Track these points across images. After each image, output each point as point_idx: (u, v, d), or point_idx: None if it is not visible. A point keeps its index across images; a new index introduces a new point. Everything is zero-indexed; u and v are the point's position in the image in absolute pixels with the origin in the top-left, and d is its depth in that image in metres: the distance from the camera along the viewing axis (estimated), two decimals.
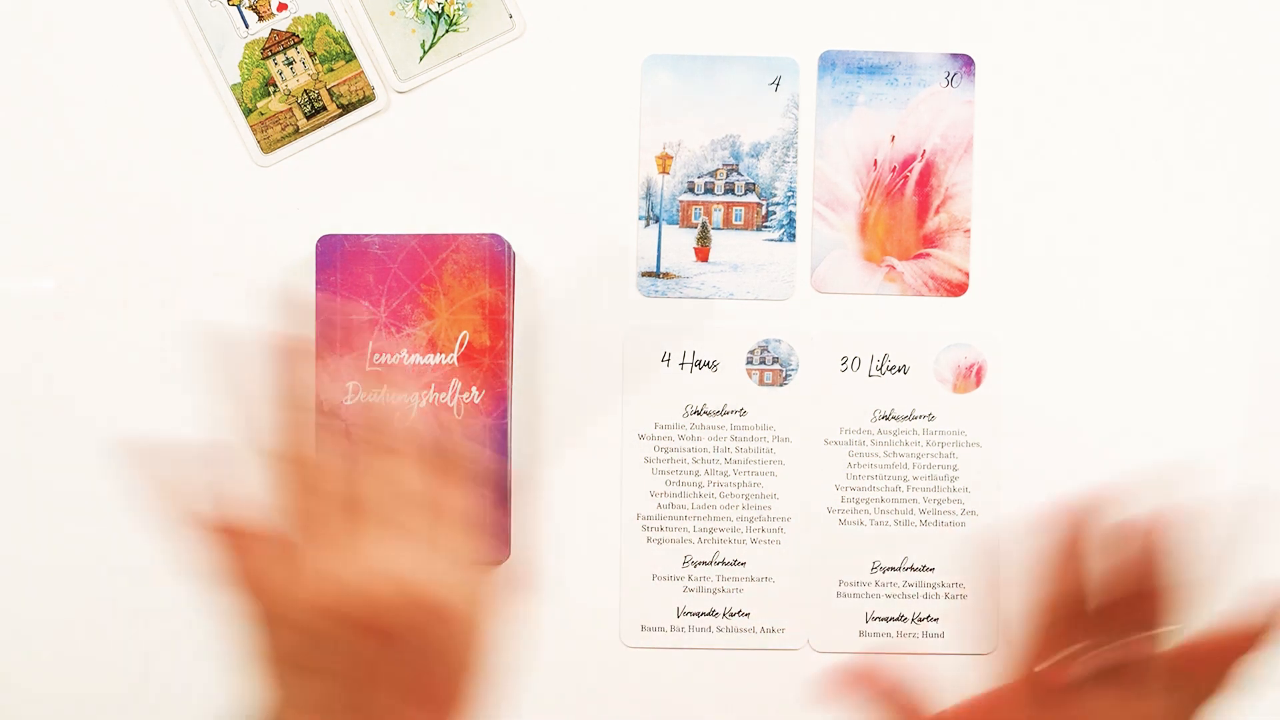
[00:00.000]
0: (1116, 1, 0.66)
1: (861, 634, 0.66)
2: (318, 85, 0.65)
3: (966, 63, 0.66)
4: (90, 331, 0.65)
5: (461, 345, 0.63)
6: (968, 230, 0.66)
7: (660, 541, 0.66)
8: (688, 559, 0.66)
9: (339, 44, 0.65)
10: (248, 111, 0.65)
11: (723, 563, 0.66)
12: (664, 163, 0.66)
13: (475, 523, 0.41)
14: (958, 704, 0.46)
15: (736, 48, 0.65)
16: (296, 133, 0.65)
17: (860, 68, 0.66)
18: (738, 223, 0.66)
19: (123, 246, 0.65)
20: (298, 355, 0.40)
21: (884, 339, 0.66)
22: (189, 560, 0.41)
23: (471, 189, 0.65)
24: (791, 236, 0.66)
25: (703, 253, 0.66)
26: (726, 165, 0.66)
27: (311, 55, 0.65)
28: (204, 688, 0.65)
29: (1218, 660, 0.42)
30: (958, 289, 0.66)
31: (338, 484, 0.40)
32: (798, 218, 0.66)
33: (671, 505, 0.66)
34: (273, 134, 0.65)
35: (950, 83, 0.66)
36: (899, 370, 0.66)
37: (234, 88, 0.65)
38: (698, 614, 0.66)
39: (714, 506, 0.66)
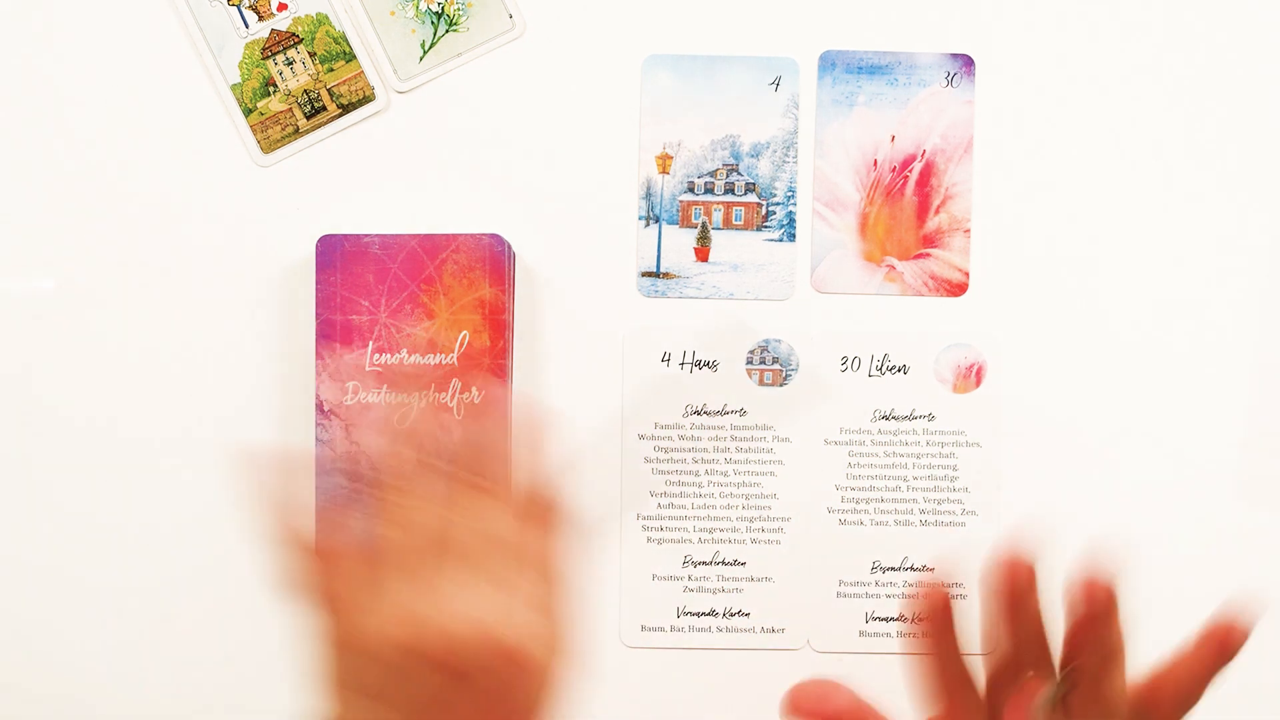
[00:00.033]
0: (1116, 1, 0.66)
1: (861, 634, 0.66)
2: (318, 85, 0.65)
3: (966, 63, 0.66)
4: (90, 331, 0.65)
5: (461, 345, 0.63)
6: (968, 230, 0.66)
7: (660, 541, 0.66)
8: (688, 559, 0.66)
9: (339, 44, 0.65)
10: (248, 111, 0.65)
11: (723, 563, 0.66)
12: (664, 163, 0.66)
13: (558, 569, 0.41)
14: None
15: (736, 48, 0.65)
16: (296, 133, 0.65)
17: (860, 68, 0.66)
18: (738, 223, 0.66)
19: (123, 246, 0.65)
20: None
21: (884, 339, 0.66)
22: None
23: (471, 189, 0.65)
24: (791, 236, 0.66)
25: (703, 253, 0.66)
26: (726, 165, 0.66)
27: (311, 55, 0.65)
28: (201, 691, 0.65)
29: (1181, 689, 0.42)
30: (958, 289, 0.66)
31: (430, 520, 0.40)
32: (798, 218, 0.66)
33: (671, 505, 0.66)
34: (273, 134, 0.65)
35: (950, 83, 0.66)
36: (899, 370, 0.66)
37: (234, 88, 0.65)
38: (698, 614, 0.66)
39: (714, 506, 0.66)
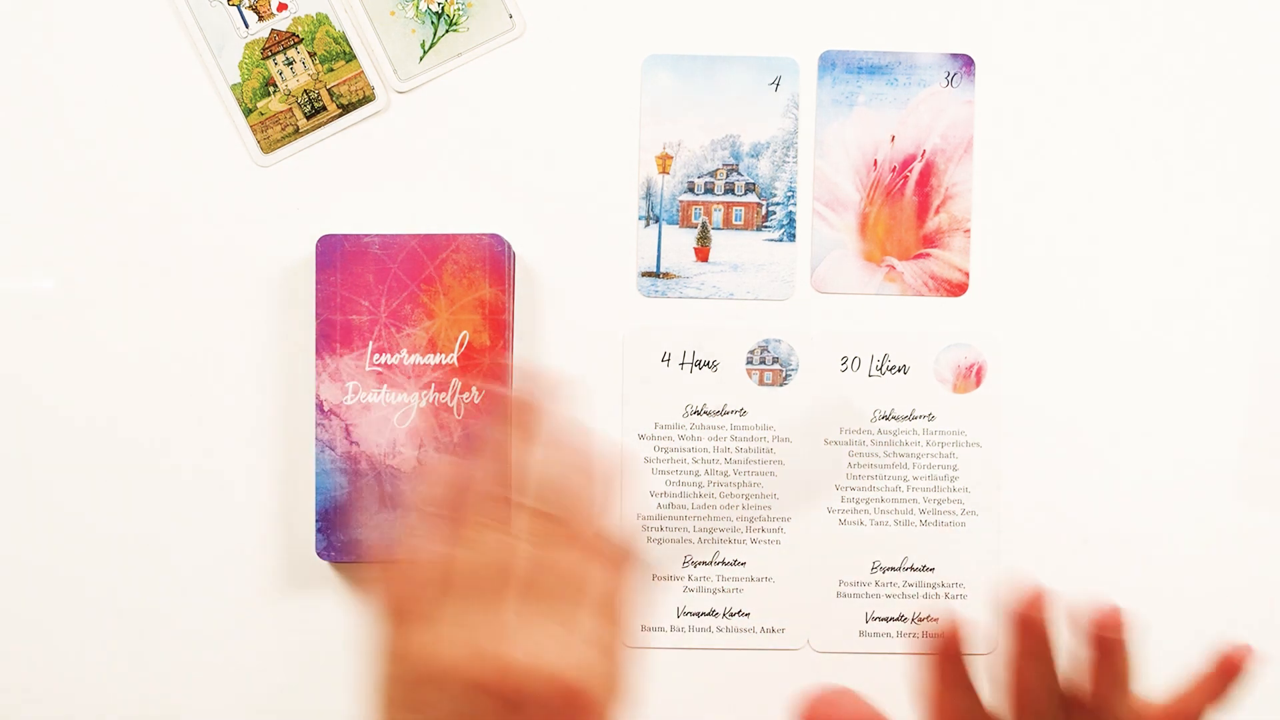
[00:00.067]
0: (1116, 1, 0.66)
1: (861, 634, 0.66)
2: (318, 85, 0.65)
3: (966, 63, 0.66)
4: (90, 331, 0.65)
5: (461, 345, 0.63)
6: (968, 230, 0.66)
7: (660, 541, 0.66)
8: (688, 559, 0.66)
9: (339, 44, 0.65)
10: (248, 111, 0.65)
11: (723, 563, 0.66)
12: (664, 163, 0.66)
13: (623, 611, 0.41)
14: None
15: (736, 48, 0.65)
16: (296, 133, 0.65)
17: (860, 68, 0.66)
18: (738, 223, 0.66)
19: (123, 246, 0.65)
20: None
21: (884, 339, 0.66)
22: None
23: (471, 189, 0.65)
24: (791, 236, 0.66)
25: (703, 253, 0.66)
26: (726, 165, 0.66)
27: (311, 55, 0.65)
28: (201, 691, 0.65)
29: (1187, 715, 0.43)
30: (958, 289, 0.66)
31: (505, 552, 0.40)
32: (798, 218, 0.66)
33: (671, 505, 0.66)
34: (273, 134, 0.65)
35: (950, 83, 0.66)
36: (899, 370, 0.66)
37: (234, 88, 0.65)
38: (698, 614, 0.66)
39: (714, 506, 0.66)
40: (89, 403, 0.65)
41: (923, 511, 0.66)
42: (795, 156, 0.66)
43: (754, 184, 0.66)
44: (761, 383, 0.66)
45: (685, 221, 0.66)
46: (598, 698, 0.38)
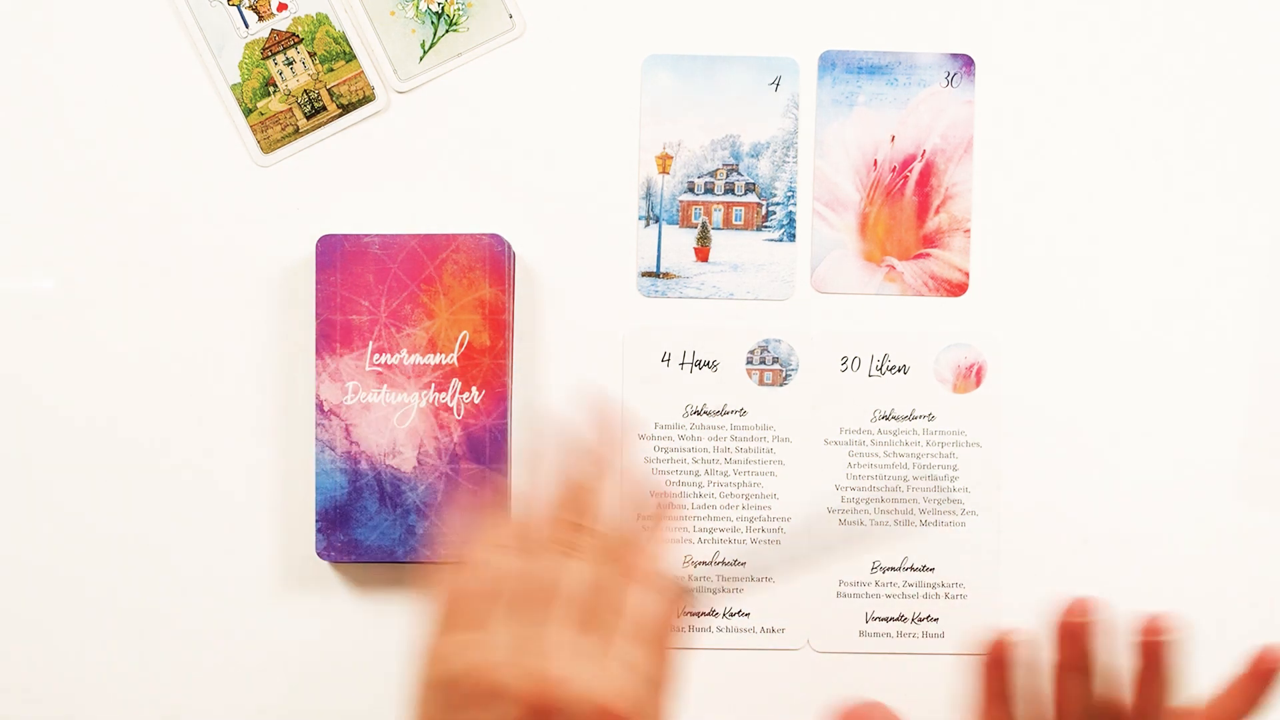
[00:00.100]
0: (1116, 1, 0.66)
1: (861, 634, 0.66)
2: (318, 85, 0.65)
3: (966, 63, 0.66)
4: (90, 331, 0.65)
5: (461, 345, 0.63)
6: (968, 230, 0.66)
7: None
8: (688, 559, 0.66)
9: (339, 44, 0.65)
10: (248, 111, 0.65)
11: (723, 563, 0.66)
12: (664, 163, 0.66)
13: (672, 646, 0.41)
14: None
15: (736, 48, 0.65)
16: (296, 133, 0.65)
17: (860, 68, 0.66)
18: (738, 223, 0.66)
19: (123, 246, 0.65)
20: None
21: (884, 339, 0.66)
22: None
23: (471, 189, 0.65)
24: (791, 236, 0.66)
25: (703, 253, 0.66)
26: (726, 165, 0.66)
27: (311, 55, 0.65)
28: (200, 691, 0.65)
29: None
30: (958, 289, 0.66)
31: (557, 571, 0.40)
32: (798, 218, 0.66)
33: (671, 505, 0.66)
34: (273, 134, 0.65)
35: (950, 83, 0.66)
36: (899, 370, 0.66)
37: (234, 88, 0.65)
38: (699, 614, 0.66)
39: (714, 506, 0.66)
40: (89, 403, 0.65)
41: (923, 511, 0.66)
42: (795, 156, 0.66)
43: (754, 184, 0.66)
44: (761, 383, 0.66)
45: (685, 221, 0.66)
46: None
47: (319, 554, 0.63)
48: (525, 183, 0.65)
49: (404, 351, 0.63)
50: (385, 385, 0.63)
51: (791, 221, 0.66)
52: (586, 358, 0.65)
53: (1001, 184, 0.66)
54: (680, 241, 0.66)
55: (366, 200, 0.65)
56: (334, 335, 0.63)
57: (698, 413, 0.66)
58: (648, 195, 0.66)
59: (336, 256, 0.63)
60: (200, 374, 0.65)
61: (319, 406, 0.63)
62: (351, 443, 0.63)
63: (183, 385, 0.65)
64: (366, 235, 0.63)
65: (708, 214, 0.66)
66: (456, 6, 0.65)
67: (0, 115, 0.65)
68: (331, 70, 0.65)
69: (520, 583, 0.40)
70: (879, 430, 0.66)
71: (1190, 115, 0.66)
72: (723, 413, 0.66)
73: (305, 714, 0.66)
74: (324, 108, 0.65)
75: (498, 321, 0.63)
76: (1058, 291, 0.66)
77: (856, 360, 0.66)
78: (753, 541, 0.66)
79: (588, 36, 0.65)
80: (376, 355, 0.63)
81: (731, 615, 0.66)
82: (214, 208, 0.65)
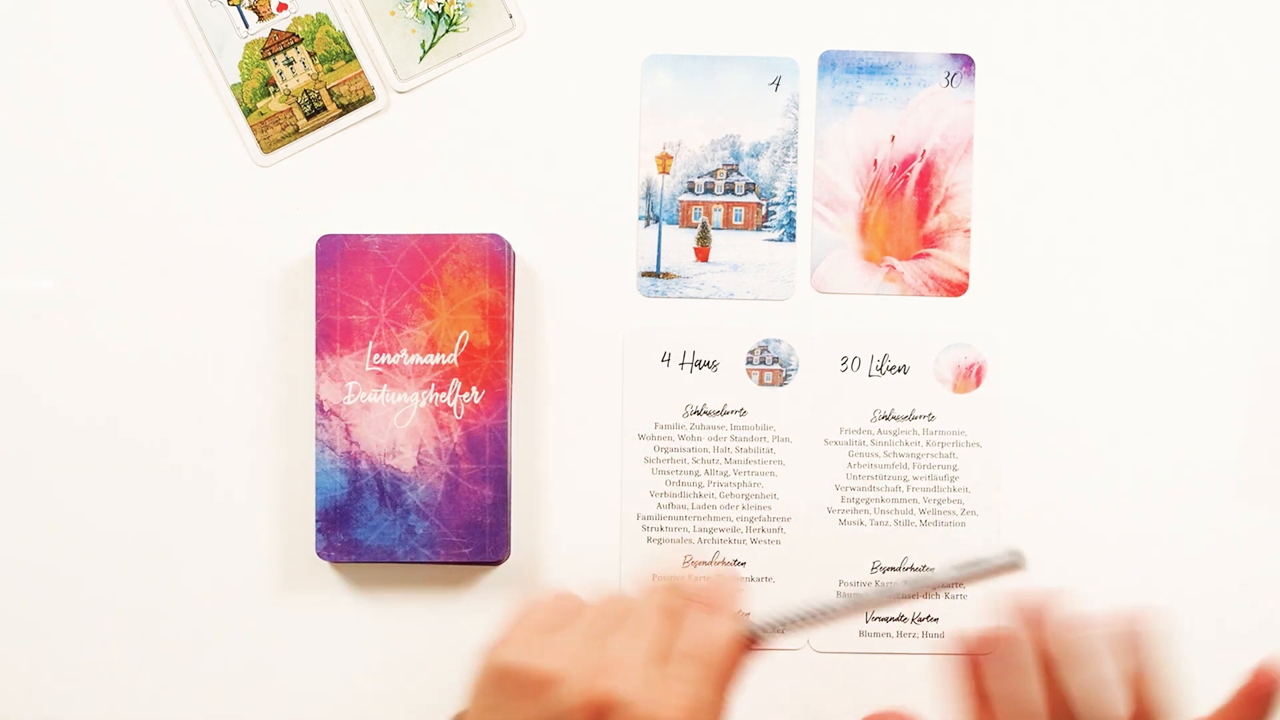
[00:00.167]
0: (1116, 1, 0.66)
1: (861, 634, 0.66)
2: (318, 85, 0.65)
3: (966, 63, 0.66)
4: (90, 331, 0.65)
5: (461, 345, 0.63)
6: (968, 230, 0.66)
7: (660, 541, 0.66)
8: (688, 559, 0.66)
9: (339, 44, 0.65)
10: (248, 111, 0.65)
11: (723, 563, 0.66)
12: (664, 163, 0.66)
13: (732, 687, 0.42)
14: None
15: (736, 48, 0.65)
16: (296, 133, 0.65)
17: (860, 68, 0.66)
18: (738, 223, 0.66)
19: (123, 246, 0.65)
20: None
21: (884, 339, 0.66)
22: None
23: (471, 189, 0.65)
24: (791, 236, 0.66)
25: (703, 253, 0.66)
26: (726, 165, 0.66)
27: (311, 55, 0.65)
28: (200, 691, 0.65)
29: None
30: (958, 289, 0.66)
31: (633, 601, 0.42)
32: (798, 218, 0.66)
33: (671, 505, 0.66)
34: (273, 134, 0.65)
35: (950, 83, 0.66)
36: (899, 370, 0.66)
37: (234, 88, 0.65)
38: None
39: (714, 506, 0.66)
40: (89, 403, 0.65)
41: (923, 511, 0.66)
42: (795, 156, 0.66)
43: (754, 184, 0.66)
44: (761, 383, 0.66)
45: (685, 221, 0.66)
46: None
47: (319, 554, 0.63)
48: (525, 183, 0.65)
49: (404, 351, 0.63)
50: (385, 385, 0.63)
51: (791, 221, 0.66)
52: (586, 358, 0.65)
53: (1001, 184, 0.66)
54: (680, 241, 0.66)
55: (366, 200, 0.65)
56: (334, 335, 0.63)
57: (698, 413, 0.66)
58: (648, 195, 0.66)
59: (336, 256, 0.63)
60: (200, 374, 0.65)
61: (319, 406, 0.63)
62: (351, 443, 0.63)
63: (183, 385, 0.65)
64: (366, 235, 0.63)
65: (708, 214, 0.66)
66: (456, 6, 0.65)
67: (0, 115, 0.65)
68: (331, 70, 0.65)
69: (597, 609, 0.41)
70: (879, 430, 0.66)
71: (1190, 115, 0.66)
72: (723, 413, 0.66)
73: (305, 714, 0.66)
74: (324, 108, 0.65)
75: (498, 321, 0.63)
76: (1058, 291, 0.66)
77: (856, 360, 0.66)
78: (753, 542, 0.66)
79: (588, 36, 0.65)
80: (376, 355, 0.63)
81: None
82: (214, 208, 0.65)
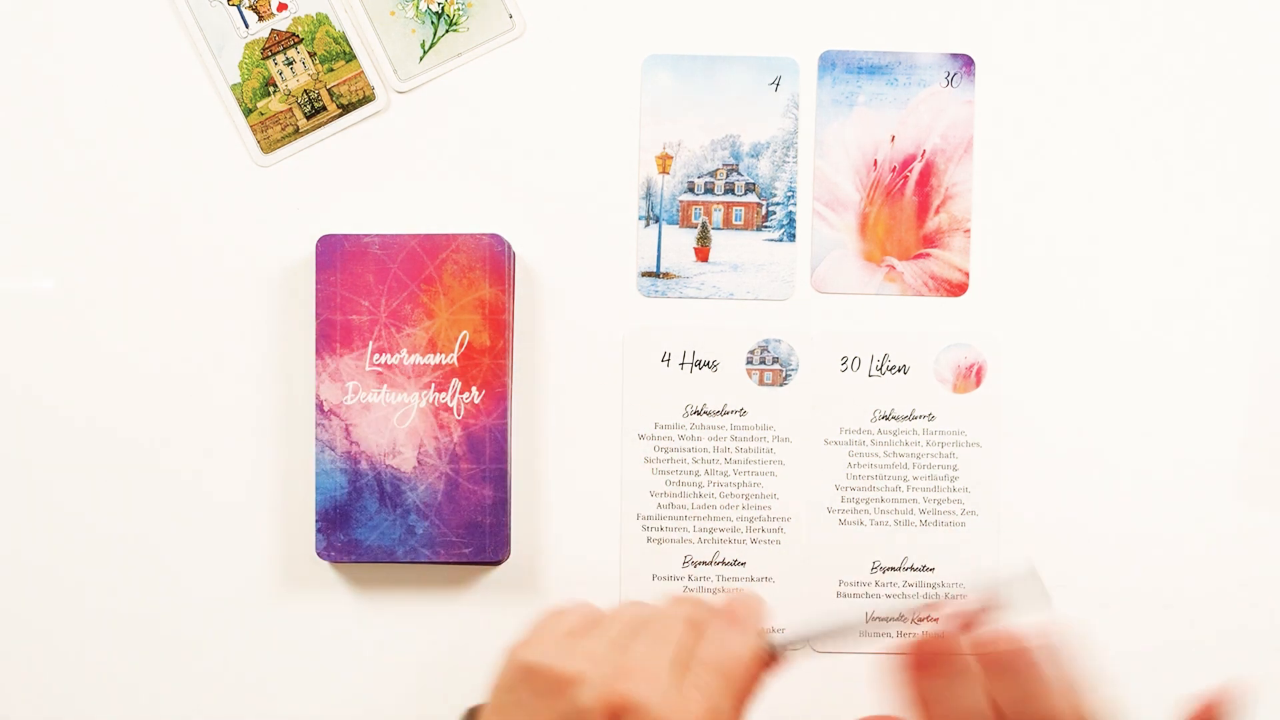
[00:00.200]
0: (1116, 1, 0.66)
1: (861, 634, 0.66)
2: (318, 85, 0.65)
3: (966, 63, 0.66)
4: (90, 331, 0.65)
5: (461, 345, 0.63)
6: (968, 230, 0.66)
7: (660, 541, 0.66)
8: (688, 559, 0.66)
9: (339, 44, 0.65)
10: (248, 111, 0.65)
11: (723, 563, 0.66)
12: (664, 163, 0.66)
13: (750, 700, 0.42)
14: None
15: (736, 48, 0.65)
16: (296, 133, 0.65)
17: (860, 68, 0.66)
18: (738, 223, 0.66)
19: (123, 246, 0.65)
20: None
21: (884, 339, 0.66)
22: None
23: (471, 189, 0.65)
24: (791, 236, 0.66)
25: (703, 253, 0.66)
26: (726, 165, 0.66)
27: (311, 55, 0.65)
28: (200, 691, 0.65)
29: None
30: (958, 289, 0.66)
31: (657, 608, 0.42)
32: (798, 218, 0.66)
33: (671, 505, 0.66)
34: (273, 134, 0.65)
35: (950, 83, 0.66)
36: (899, 370, 0.66)
37: (234, 88, 0.65)
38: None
39: (714, 506, 0.66)
40: (89, 403, 0.65)
41: (923, 511, 0.66)
42: (795, 156, 0.66)
43: (754, 184, 0.66)
44: (761, 383, 0.66)
45: (685, 221, 0.66)
46: None
47: (319, 554, 0.63)
48: (525, 183, 0.65)
49: (404, 351, 0.63)
50: (385, 385, 0.63)
51: (791, 221, 0.66)
52: (586, 358, 0.65)
53: (1001, 184, 0.66)
54: (680, 241, 0.66)
55: (366, 200, 0.65)
56: (334, 335, 0.63)
57: (698, 413, 0.66)
58: (648, 195, 0.66)
59: (336, 256, 0.63)
60: (200, 374, 0.65)
61: (319, 406, 0.63)
62: (351, 443, 0.63)
63: (183, 385, 0.65)
64: (366, 235, 0.63)
65: (708, 214, 0.66)
66: (456, 6, 0.65)
67: (0, 115, 0.65)
68: (331, 70, 0.65)
69: (621, 615, 0.42)
70: (879, 430, 0.66)
71: (1190, 115, 0.66)
72: (723, 413, 0.66)
73: (305, 714, 0.66)
74: (324, 108, 0.65)
75: (498, 321, 0.63)
76: (1058, 291, 0.66)
77: (856, 360, 0.66)
78: (753, 542, 0.66)
79: (588, 36, 0.65)
80: (376, 355, 0.63)
81: None
82: (214, 208, 0.65)
